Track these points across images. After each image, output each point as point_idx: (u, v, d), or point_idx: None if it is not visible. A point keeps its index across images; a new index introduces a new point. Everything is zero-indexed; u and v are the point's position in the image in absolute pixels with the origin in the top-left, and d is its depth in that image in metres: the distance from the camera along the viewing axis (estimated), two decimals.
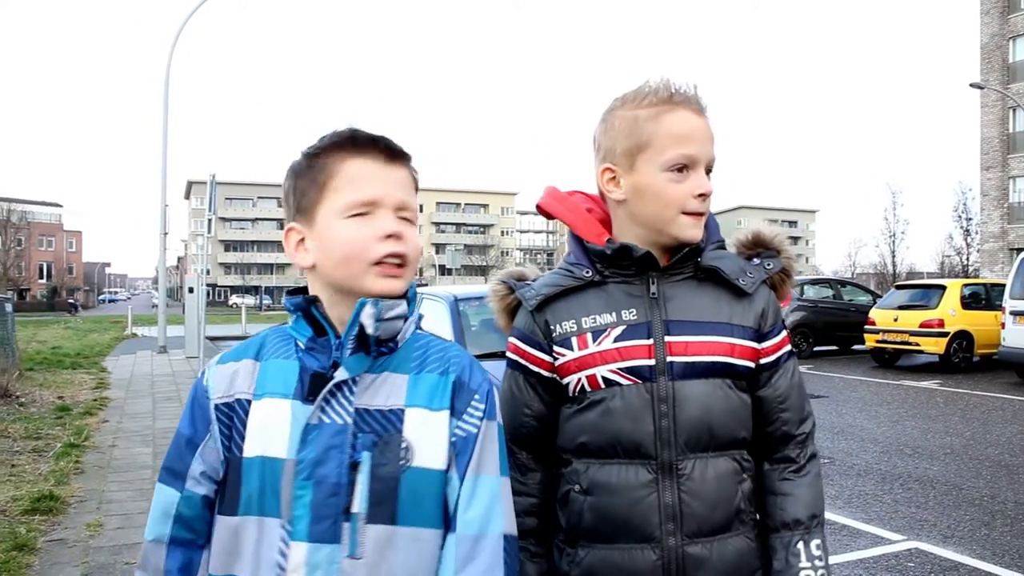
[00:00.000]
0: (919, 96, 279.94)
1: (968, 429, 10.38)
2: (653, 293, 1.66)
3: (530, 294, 1.73)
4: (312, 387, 1.33)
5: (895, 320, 17.75)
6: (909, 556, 5.57)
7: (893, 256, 60.64)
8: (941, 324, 17.03)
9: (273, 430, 1.30)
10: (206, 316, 19.46)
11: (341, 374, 1.33)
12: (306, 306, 1.38)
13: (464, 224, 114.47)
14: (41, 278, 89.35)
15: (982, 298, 18.11)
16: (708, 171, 1.64)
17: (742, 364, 1.67)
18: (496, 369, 5.92)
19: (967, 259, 56.78)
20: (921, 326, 17.25)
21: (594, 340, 1.65)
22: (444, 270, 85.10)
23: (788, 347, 1.75)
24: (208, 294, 22.98)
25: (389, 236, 1.35)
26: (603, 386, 1.64)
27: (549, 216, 1.80)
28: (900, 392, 13.90)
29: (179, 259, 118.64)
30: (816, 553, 1.65)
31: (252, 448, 1.32)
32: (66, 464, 7.68)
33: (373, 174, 1.36)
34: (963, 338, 17.21)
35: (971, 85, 32.28)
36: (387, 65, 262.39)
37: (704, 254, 1.69)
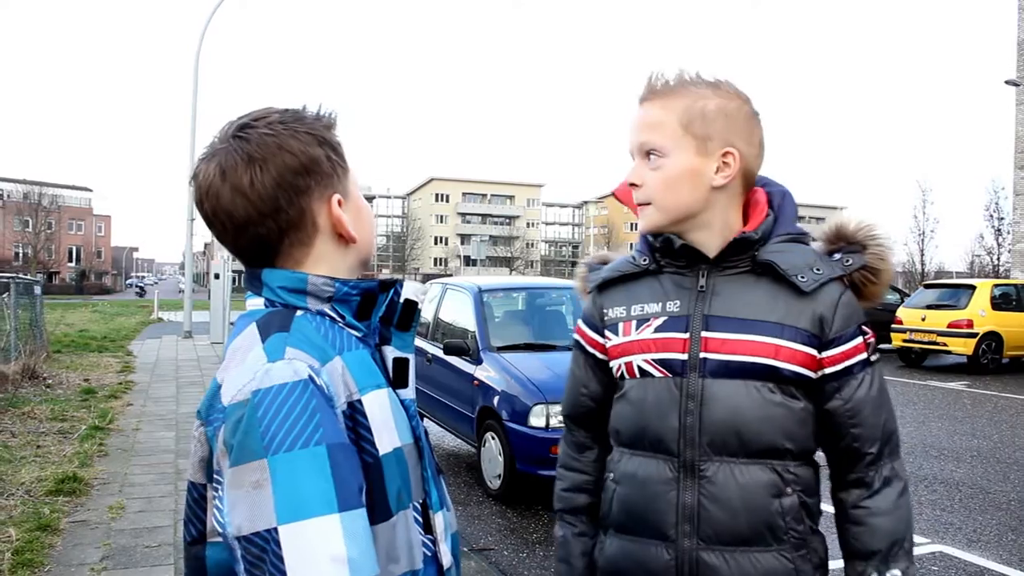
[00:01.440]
0: (952, 92, 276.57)
1: (996, 432, 10.25)
2: (701, 286, 1.62)
3: (593, 277, 1.80)
4: (397, 371, 1.35)
5: (923, 319, 17.55)
6: (933, 560, 5.50)
7: (922, 255, 59.88)
8: (970, 324, 16.82)
9: (389, 421, 1.26)
10: (231, 302, 19.61)
11: (399, 353, 1.36)
12: (379, 289, 1.31)
13: (490, 215, 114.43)
14: (70, 262, 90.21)
15: (1013, 299, 17.86)
16: (647, 155, 1.60)
17: (789, 369, 1.55)
18: (518, 361, 5.94)
19: (998, 259, 56.01)
20: (949, 326, 17.04)
21: (637, 328, 1.66)
22: (469, 261, 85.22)
23: (863, 355, 1.60)
24: (234, 280, 23.10)
25: None
26: (638, 375, 1.64)
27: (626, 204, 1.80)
28: (926, 393, 13.75)
29: (206, 245, 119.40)
30: None
31: (385, 444, 1.24)
32: (90, 446, 7.75)
33: None
34: (992, 339, 16.98)
35: (1006, 82, 31.76)
36: (414, 53, 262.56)
37: (767, 247, 1.60)
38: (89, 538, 5.26)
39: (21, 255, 78.33)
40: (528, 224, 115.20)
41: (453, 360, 7.49)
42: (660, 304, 1.64)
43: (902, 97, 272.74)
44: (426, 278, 55.45)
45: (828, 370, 1.58)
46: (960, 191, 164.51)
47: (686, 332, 1.60)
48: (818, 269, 1.58)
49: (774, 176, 1.73)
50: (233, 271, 20.73)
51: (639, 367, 1.64)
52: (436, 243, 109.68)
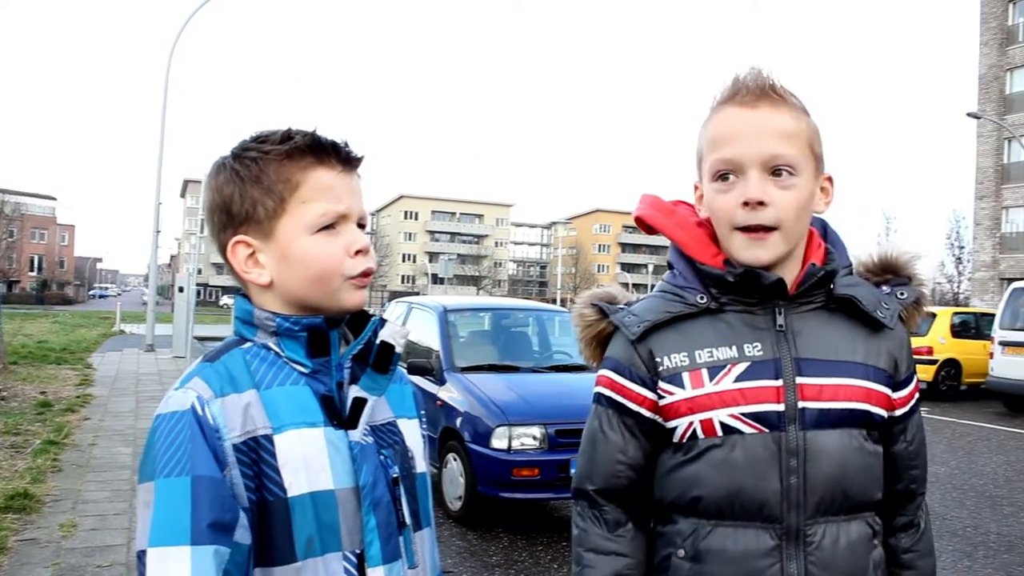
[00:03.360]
0: (916, 124, 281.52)
1: (953, 458, 10.36)
2: (780, 325, 1.43)
3: (631, 320, 1.48)
4: (352, 412, 1.29)
5: None
6: None
7: None
8: (930, 352, 17.02)
9: (316, 462, 1.23)
10: (195, 316, 19.41)
11: (363, 394, 1.31)
12: (326, 327, 1.28)
13: (458, 233, 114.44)
14: (32, 271, 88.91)
15: (972, 327, 18.12)
16: (778, 173, 1.38)
17: (878, 413, 1.46)
18: (482, 382, 5.92)
19: (958, 287, 56.93)
20: None
21: (711, 378, 1.41)
22: (437, 279, 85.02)
23: (918, 394, 1.56)
24: (199, 294, 22.90)
25: (359, 251, 1.31)
26: (720, 433, 1.40)
27: (650, 230, 1.56)
28: None
29: (172, 257, 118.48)
30: None
31: (298, 486, 1.20)
32: (44, 461, 7.60)
33: (337, 184, 1.29)
34: (951, 366, 17.21)
35: (968, 115, 32.40)
36: (384, 70, 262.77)
37: (837, 280, 1.47)
38: (38, 557, 5.14)
39: None
40: (496, 243, 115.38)
41: (416, 379, 7.44)
42: (735, 348, 1.42)
43: (867, 126, 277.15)
44: (393, 295, 55.28)
45: (898, 412, 1.51)
46: (923, 221, 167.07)
47: (777, 379, 1.40)
48: (886, 304, 1.48)
49: None
50: (198, 284, 20.52)
51: (722, 423, 1.39)
52: (404, 260, 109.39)
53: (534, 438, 6.25)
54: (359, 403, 1.30)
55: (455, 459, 6.66)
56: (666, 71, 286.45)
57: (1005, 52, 38.67)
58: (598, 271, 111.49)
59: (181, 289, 19.98)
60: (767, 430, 1.39)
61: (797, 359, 1.41)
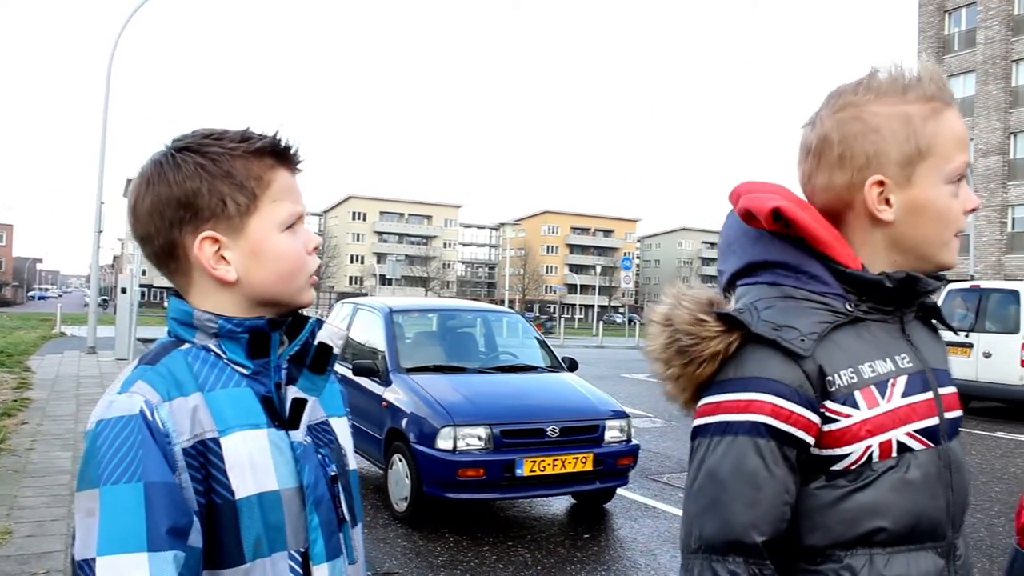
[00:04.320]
0: None
1: None
2: (908, 335, 1.37)
3: (792, 333, 1.27)
4: (292, 412, 1.31)
5: None
6: None
7: None
8: None
9: (261, 463, 1.24)
10: (139, 317, 19.10)
11: (302, 395, 1.32)
12: (268, 328, 1.29)
13: (407, 235, 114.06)
14: None
15: None
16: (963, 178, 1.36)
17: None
18: (428, 383, 5.92)
19: None
20: None
21: (881, 395, 1.29)
22: (384, 280, 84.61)
23: None
24: (143, 295, 22.53)
25: (314, 249, 1.36)
26: (896, 454, 1.28)
27: (787, 226, 1.33)
28: None
29: (115, 258, 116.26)
30: None
31: (245, 487, 1.21)
32: None
33: (294, 186, 1.33)
34: None
35: None
36: (329, 69, 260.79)
37: None
38: None
39: None
40: (445, 244, 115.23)
41: (362, 381, 7.42)
42: (889, 361, 1.31)
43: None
44: (341, 296, 54.90)
45: None
46: None
47: (928, 391, 1.33)
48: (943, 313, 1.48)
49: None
50: (141, 285, 20.20)
51: (899, 443, 1.28)
52: (352, 261, 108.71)
53: (479, 438, 6.27)
54: (299, 404, 1.32)
55: (401, 460, 6.66)
56: (615, 78, 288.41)
57: (942, 60, 39.63)
58: (546, 272, 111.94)
59: (124, 290, 19.63)
60: (933, 445, 1.32)
61: (933, 369, 1.37)
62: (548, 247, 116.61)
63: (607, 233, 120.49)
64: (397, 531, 6.50)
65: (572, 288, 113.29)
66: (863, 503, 1.27)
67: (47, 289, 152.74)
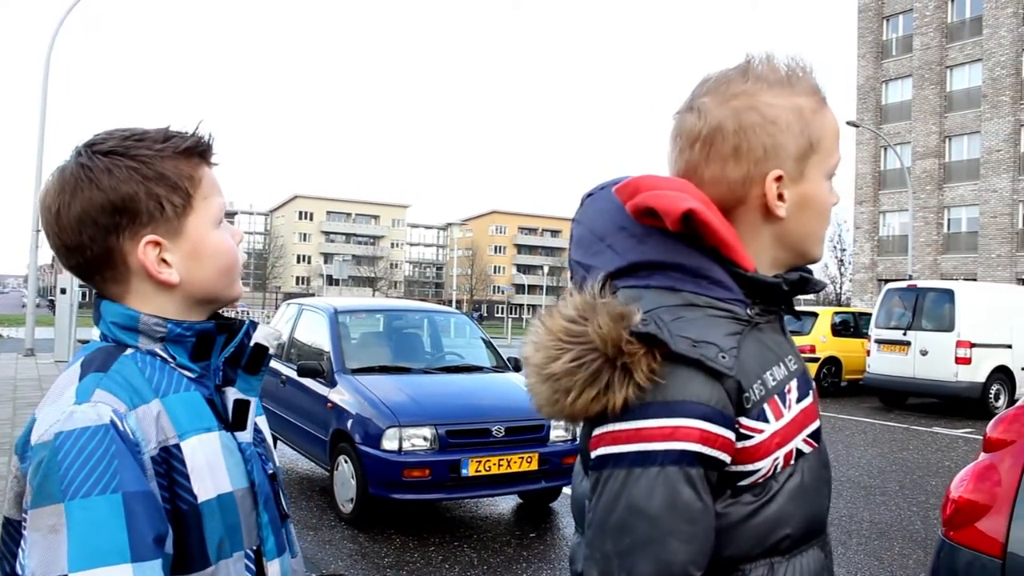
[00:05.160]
0: None
1: (832, 452, 10.75)
2: (784, 332, 1.34)
3: (710, 350, 1.17)
4: (236, 414, 1.32)
5: None
6: None
7: None
8: (812, 350, 17.72)
9: (216, 466, 1.24)
10: (79, 318, 18.73)
11: (242, 396, 1.34)
12: (215, 331, 1.30)
13: (354, 234, 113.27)
14: None
15: (851, 326, 18.99)
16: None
17: None
18: (373, 383, 5.89)
19: (840, 288, 59.40)
20: None
21: (783, 403, 1.23)
22: (332, 280, 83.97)
23: None
24: (83, 295, 22.05)
25: (240, 241, 1.37)
26: (793, 460, 1.24)
27: (691, 228, 1.22)
28: None
29: (53, 258, 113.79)
30: None
31: (205, 491, 1.21)
32: None
33: (217, 180, 1.33)
34: (832, 364, 17.99)
35: (848, 123, 33.84)
36: (274, 66, 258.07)
37: None
38: None
39: None
40: (393, 244, 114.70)
41: (307, 382, 7.38)
42: (782, 365, 1.26)
43: None
44: (287, 296, 54.38)
45: None
46: None
47: (811, 391, 1.31)
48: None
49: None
50: (80, 286, 19.77)
51: (797, 450, 1.25)
52: (299, 261, 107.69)
53: (425, 439, 6.27)
54: (242, 405, 1.33)
55: (346, 461, 6.63)
56: (562, 79, 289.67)
57: (880, 65, 40.59)
58: (494, 272, 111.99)
59: (63, 291, 19.24)
60: (817, 445, 1.30)
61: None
62: (496, 247, 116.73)
63: (555, 233, 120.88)
64: (343, 532, 6.47)
65: (520, 288, 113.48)
66: (769, 516, 1.22)
67: None
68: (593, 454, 1.20)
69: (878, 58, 40.66)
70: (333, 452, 6.88)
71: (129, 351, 1.25)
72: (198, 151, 1.29)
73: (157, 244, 1.24)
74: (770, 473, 1.21)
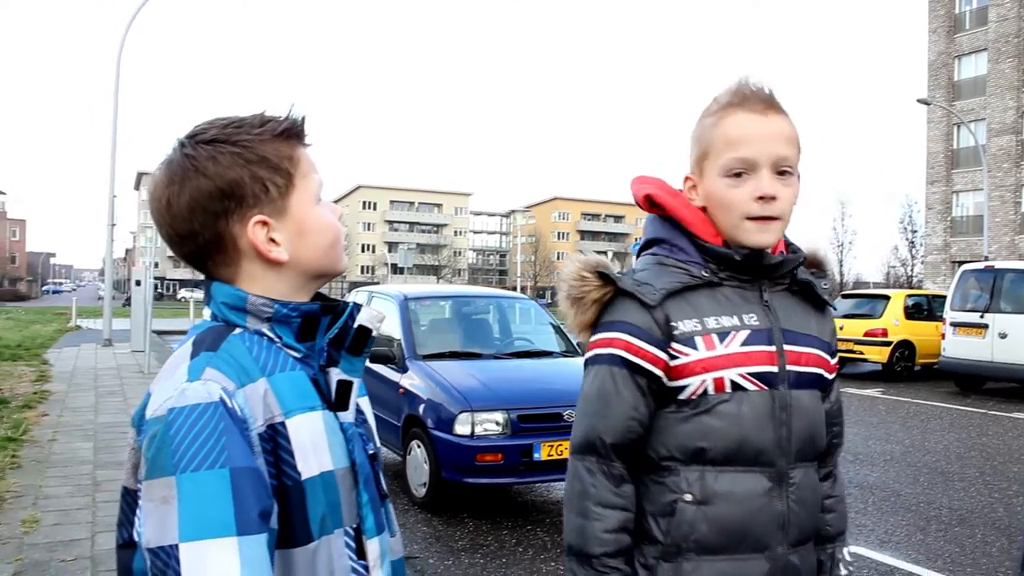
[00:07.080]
0: (869, 110, 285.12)
1: (908, 436, 10.61)
2: (766, 301, 1.67)
3: (648, 289, 1.62)
4: (339, 394, 1.34)
5: (840, 328, 17.99)
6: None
7: (840, 266, 61.62)
8: (885, 334, 17.36)
9: (320, 445, 1.28)
10: (153, 309, 19.19)
11: (346, 377, 1.36)
12: (320, 312, 1.33)
13: (417, 223, 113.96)
14: None
15: (924, 309, 18.49)
16: (782, 172, 1.61)
17: (829, 377, 1.76)
18: (444, 369, 5.94)
19: (912, 270, 58.08)
20: (865, 335, 17.58)
21: (721, 342, 1.61)
22: (396, 269, 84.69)
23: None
24: (156, 287, 22.58)
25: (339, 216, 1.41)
26: (729, 389, 1.60)
27: (655, 210, 1.73)
28: (844, 399, 14.01)
29: (127, 251, 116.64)
30: (849, 559, 1.83)
31: (310, 468, 1.25)
32: (2, 459, 7.52)
33: (314, 159, 1.37)
34: (905, 347, 17.57)
35: (918, 101, 32.93)
36: (341, 59, 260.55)
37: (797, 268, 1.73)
38: (0, 553, 5.11)
39: None
40: (456, 232, 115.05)
41: (379, 368, 7.47)
42: (736, 317, 1.63)
43: (822, 113, 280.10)
44: (353, 285, 54.97)
45: (830, 375, 1.78)
46: (877, 205, 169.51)
47: (771, 345, 1.64)
48: (824, 290, 1.78)
49: None
50: (155, 278, 20.26)
51: (732, 381, 1.60)
52: (363, 251, 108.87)
53: (497, 424, 6.31)
54: (345, 385, 1.35)
55: (419, 446, 6.71)
56: (625, 63, 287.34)
57: (953, 39, 39.36)
58: (557, 259, 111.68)
59: (138, 283, 19.70)
60: (766, 388, 1.62)
61: (782, 329, 1.66)
62: (559, 233, 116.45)
63: (618, 219, 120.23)
64: (417, 516, 6.55)
65: None
66: (696, 426, 1.60)
67: (61, 283, 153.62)
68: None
69: (950, 32, 39.45)
70: (406, 437, 6.96)
71: (238, 331, 1.28)
72: (294, 132, 1.33)
73: (265, 224, 1.28)
74: (701, 392, 1.60)
